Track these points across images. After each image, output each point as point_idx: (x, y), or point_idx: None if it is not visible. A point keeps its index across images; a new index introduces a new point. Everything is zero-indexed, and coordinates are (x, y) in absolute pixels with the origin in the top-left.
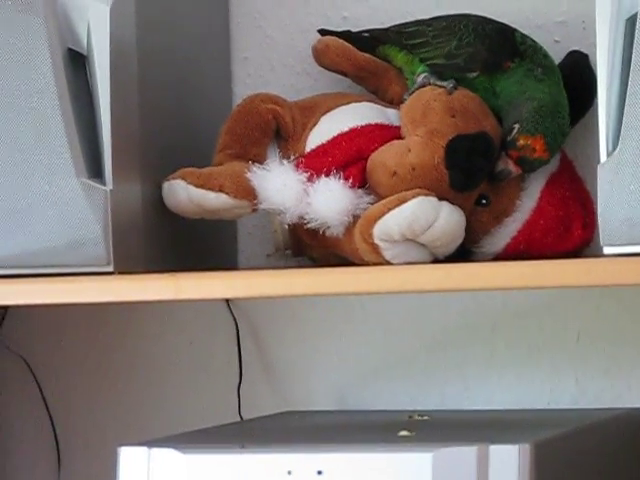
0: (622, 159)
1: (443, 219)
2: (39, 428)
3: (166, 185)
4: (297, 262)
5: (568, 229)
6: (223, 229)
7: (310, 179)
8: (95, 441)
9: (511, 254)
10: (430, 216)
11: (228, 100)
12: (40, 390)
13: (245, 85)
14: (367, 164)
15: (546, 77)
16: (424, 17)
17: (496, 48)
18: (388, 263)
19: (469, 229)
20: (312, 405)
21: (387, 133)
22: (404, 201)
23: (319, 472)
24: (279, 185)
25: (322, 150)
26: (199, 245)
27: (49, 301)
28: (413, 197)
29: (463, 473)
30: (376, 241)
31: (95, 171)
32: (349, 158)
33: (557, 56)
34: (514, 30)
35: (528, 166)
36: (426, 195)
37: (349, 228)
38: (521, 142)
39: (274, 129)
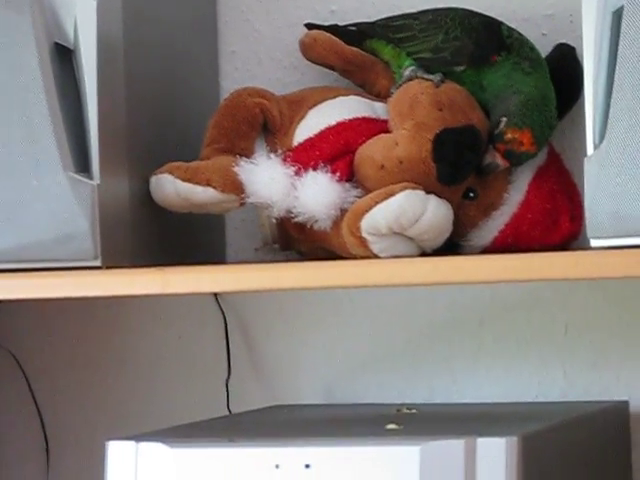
0: (608, 152)
1: (431, 212)
2: (28, 423)
3: (153, 179)
4: (285, 256)
5: (556, 222)
6: (211, 223)
7: (298, 173)
8: (84, 436)
9: (499, 247)
10: (417, 209)
11: (215, 94)
12: (28, 385)
13: (232, 79)
14: (354, 158)
15: (533, 70)
16: (411, 11)
17: (483, 42)
18: (376, 257)
19: (457, 222)
20: (300, 399)
21: (374, 127)
22: (391, 194)
23: (307, 466)
24: (267, 179)
25: (309, 144)
26: (187, 239)
27: (36, 295)
28: (400, 190)
29: (451, 466)
30: (364, 235)
31: (82, 165)
32: (336, 152)
33: (545, 49)
34: (500, 23)
35: (515, 159)
36: (413, 188)
37: (337, 222)
38: (508, 135)
39: (261, 123)
